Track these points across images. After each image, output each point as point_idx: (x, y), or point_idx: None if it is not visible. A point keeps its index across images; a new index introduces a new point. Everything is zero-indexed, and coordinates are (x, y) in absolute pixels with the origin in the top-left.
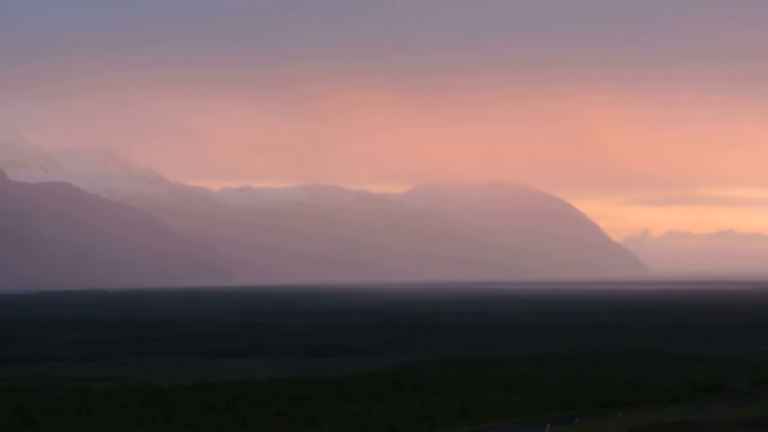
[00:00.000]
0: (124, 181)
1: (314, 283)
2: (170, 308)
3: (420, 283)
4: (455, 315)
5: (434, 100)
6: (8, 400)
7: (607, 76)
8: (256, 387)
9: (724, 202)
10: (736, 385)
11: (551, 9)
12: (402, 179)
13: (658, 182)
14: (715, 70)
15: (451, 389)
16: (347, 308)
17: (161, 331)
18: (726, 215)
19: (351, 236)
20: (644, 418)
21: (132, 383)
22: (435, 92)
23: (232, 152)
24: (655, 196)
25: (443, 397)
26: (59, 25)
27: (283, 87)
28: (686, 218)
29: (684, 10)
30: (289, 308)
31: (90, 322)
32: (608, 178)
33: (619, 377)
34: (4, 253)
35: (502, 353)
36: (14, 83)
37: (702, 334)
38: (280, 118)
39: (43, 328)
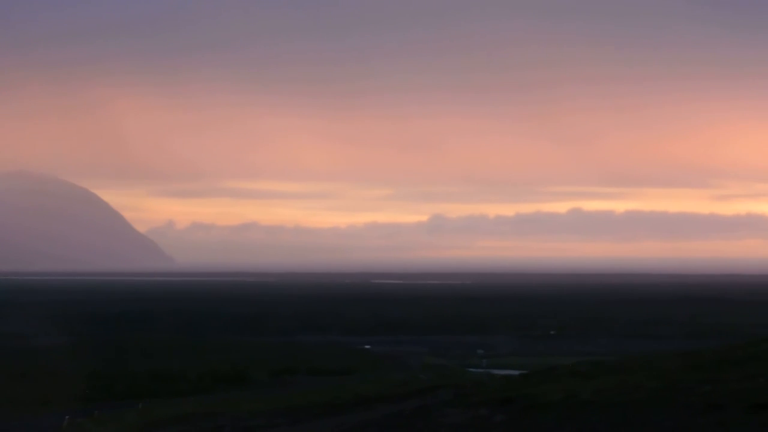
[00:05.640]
0: None
1: None
2: None
3: None
4: None
5: None
6: None
7: (137, 68)
8: None
9: (249, 194)
10: (257, 375)
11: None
12: None
13: (184, 174)
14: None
15: None
16: None
17: None
18: (250, 207)
19: None
20: (165, 409)
21: None
22: None
23: None
24: (181, 187)
25: None
26: None
27: None
28: (211, 210)
29: None
30: None
31: None
32: (134, 169)
33: (140, 368)
34: None
35: (27, 344)
36: None
37: (225, 325)
38: None
39: None
